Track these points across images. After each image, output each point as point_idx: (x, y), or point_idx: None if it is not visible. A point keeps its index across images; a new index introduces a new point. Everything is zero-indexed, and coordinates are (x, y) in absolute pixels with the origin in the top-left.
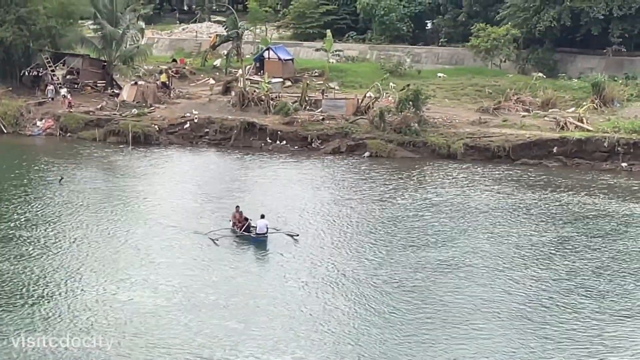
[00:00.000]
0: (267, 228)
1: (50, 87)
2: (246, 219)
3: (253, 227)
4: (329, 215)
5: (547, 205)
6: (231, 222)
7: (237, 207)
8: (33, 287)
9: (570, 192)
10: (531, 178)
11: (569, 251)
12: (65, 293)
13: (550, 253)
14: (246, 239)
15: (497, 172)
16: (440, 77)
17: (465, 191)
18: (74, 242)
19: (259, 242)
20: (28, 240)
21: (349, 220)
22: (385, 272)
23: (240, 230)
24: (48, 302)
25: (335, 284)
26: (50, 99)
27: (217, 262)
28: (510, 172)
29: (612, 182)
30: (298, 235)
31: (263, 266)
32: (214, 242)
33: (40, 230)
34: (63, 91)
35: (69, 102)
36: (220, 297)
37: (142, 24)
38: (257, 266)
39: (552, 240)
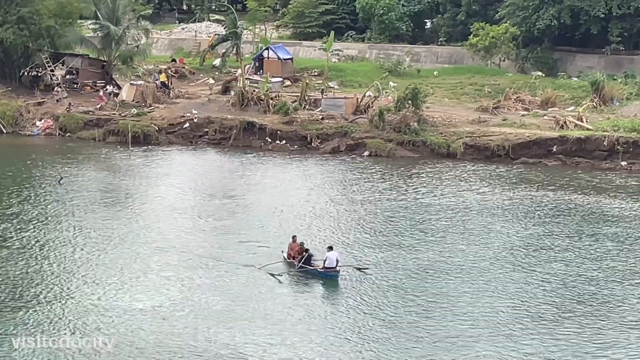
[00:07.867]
0: (338, 261)
1: (58, 88)
2: (306, 250)
3: (317, 259)
4: (334, 216)
5: (546, 204)
6: (285, 254)
7: (294, 237)
8: (32, 288)
9: (570, 191)
10: (531, 177)
11: (568, 251)
12: (65, 295)
13: (549, 252)
14: (310, 273)
15: (497, 171)
16: (435, 74)
17: (465, 191)
18: (74, 244)
19: (329, 277)
20: (27, 242)
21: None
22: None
23: (299, 262)
24: (47, 304)
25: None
26: (57, 100)
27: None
28: (510, 171)
29: (612, 181)
30: (368, 268)
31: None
32: (276, 278)
33: (42, 232)
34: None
35: (69, 103)
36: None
37: (147, 23)
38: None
39: (551, 239)
